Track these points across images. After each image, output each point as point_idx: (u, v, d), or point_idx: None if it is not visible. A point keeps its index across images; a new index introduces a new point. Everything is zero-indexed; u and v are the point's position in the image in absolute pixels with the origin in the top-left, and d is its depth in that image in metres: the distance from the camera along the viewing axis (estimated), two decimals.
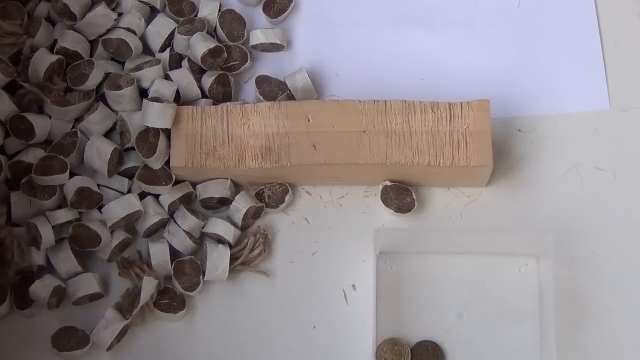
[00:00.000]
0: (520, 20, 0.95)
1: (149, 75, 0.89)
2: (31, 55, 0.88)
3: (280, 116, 0.87)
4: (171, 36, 0.92)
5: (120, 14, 0.92)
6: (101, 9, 0.90)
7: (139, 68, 0.90)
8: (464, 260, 0.87)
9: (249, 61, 0.92)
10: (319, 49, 0.94)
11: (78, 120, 0.89)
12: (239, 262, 0.87)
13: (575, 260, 0.88)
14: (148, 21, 0.92)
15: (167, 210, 0.88)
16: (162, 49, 0.92)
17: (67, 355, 0.84)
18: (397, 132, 0.86)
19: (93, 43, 0.91)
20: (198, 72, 0.92)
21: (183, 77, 0.90)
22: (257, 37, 0.93)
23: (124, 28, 0.91)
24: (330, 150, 0.86)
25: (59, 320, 0.86)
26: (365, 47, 0.94)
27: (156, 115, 0.86)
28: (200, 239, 0.88)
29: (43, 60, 0.87)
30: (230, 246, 0.88)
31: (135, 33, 0.91)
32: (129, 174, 0.88)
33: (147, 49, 0.92)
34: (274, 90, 0.92)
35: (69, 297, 0.86)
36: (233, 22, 0.93)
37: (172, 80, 0.90)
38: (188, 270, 0.86)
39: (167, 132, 0.87)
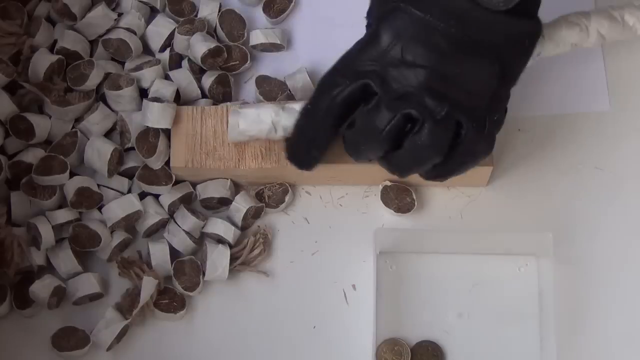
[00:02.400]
0: None
1: (149, 76, 0.89)
2: (31, 55, 0.88)
3: None
4: (171, 36, 0.92)
5: (120, 14, 0.92)
6: (101, 9, 0.90)
7: (139, 68, 0.90)
8: (464, 260, 0.87)
9: (249, 61, 0.92)
10: (319, 49, 0.94)
11: (78, 120, 0.89)
12: (239, 262, 0.87)
13: (576, 260, 0.88)
14: (148, 21, 0.92)
15: (167, 210, 0.88)
16: (162, 49, 0.92)
17: (67, 355, 0.84)
18: None
19: (93, 43, 0.91)
20: (198, 72, 0.92)
21: (183, 77, 0.90)
22: (257, 37, 0.93)
23: (124, 28, 0.91)
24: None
25: (59, 320, 0.86)
26: None
27: (156, 116, 0.86)
28: (200, 239, 0.88)
29: (43, 61, 0.87)
30: (230, 246, 0.88)
31: (135, 33, 0.91)
32: (129, 174, 0.88)
33: (147, 49, 0.92)
34: (274, 90, 0.92)
35: (69, 297, 0.86)
36: (233, 22, 0.93)
37: (172, 81, 0.90)
38: (188, 270, 0.86)
39: (167, 132, 0.88)
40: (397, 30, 0.77)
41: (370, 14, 0.82)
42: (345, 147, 0.82)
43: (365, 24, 0.82)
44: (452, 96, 0.77)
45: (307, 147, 0.82)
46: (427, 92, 0.77)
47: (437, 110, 0.77)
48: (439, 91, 0.77)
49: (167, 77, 0.91)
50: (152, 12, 0.94)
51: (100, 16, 0.90)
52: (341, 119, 0.80)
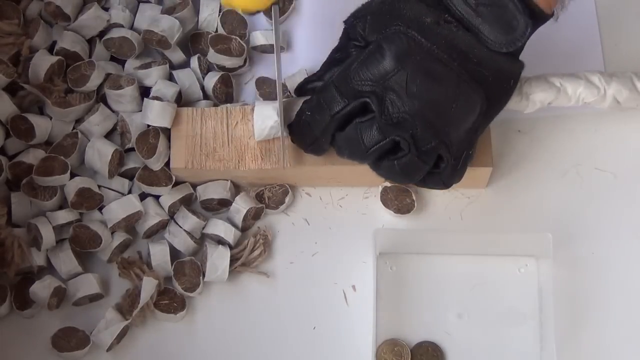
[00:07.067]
0: None
1: (156, 74, 0.89)
2: (30, 56, 0.88)
3: None
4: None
5: (106, 9, 0.91)
6: (93, 11, 0.90)
7: (146, 66, 0.90)
8: (463, 260, 0.87)
9: (245, 53, 0.92)
10: (319, 49, 0.94)
11: (79, 121, 0.89)
12: (239, 263, 0.87)
13: (575, 261, 0.88)
14: (134, 12, 0.92)
15: (167, 211, 0.88)
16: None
17: (67, 356, 0.84)
18: None
19: (90, 43, 0.91)
20: (206, 70, 0.92)
21: (187, 77, 0.91)
22: (258, 38, 0.93)
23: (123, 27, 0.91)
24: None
25: (59, 320, 0.86)
26: None
27: (156, 114, 0.86)
28: (201, 240, 0.89)
29: (43, 62, 0.88)
30: (231, 247, 0.88)
31: (123, 26, 0.91)
32: (129, 175, 0.89)
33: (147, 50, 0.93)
34: (274, 91, 0.92)
35: (69, 297, 0.86)
36: (234, 22, 0.93)
37: (176, 80, 0.90)
38: (188, 271, 0.87)
39: (167, 134, 0.88)
40: (403, 57, 0.79)
41: (348, 21, 0.84)
42: (331, 143, 0.83)
43: (344, 27, 0.84)
44: (442, 130, 0.79)
45: (311, 142, 0.84)
46: (422, 123, 0.79)
47: (425, 142, 0.79)
48: (432, 123, 0.79)
49: (170, 76, 0.91)
50: (139, 2, 0.93)
51: (92, 18, 0.90)
52: (341, 128, 0.82)
